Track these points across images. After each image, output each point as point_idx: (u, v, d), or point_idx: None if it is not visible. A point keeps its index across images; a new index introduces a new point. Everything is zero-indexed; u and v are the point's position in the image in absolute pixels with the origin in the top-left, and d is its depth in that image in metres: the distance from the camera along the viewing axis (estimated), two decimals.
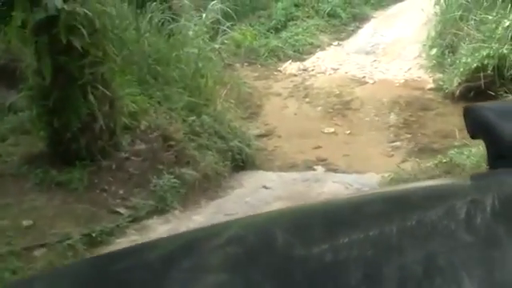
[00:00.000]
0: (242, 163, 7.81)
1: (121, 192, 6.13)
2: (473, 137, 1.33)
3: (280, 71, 12.10)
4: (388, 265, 0.85)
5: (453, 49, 10.59)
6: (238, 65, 11.75)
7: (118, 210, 5.86)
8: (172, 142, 6.84)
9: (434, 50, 10.69)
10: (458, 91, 9.28)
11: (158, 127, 6.91)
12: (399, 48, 12.01)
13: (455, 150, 7.10)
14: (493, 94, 8.64)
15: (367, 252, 0.89)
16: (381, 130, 8.93)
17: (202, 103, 8.11)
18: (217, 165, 7.19)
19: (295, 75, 11.85)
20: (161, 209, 6.09)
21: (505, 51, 8.60)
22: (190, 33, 8.83)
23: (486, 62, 8.87)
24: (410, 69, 11.17)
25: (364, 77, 11.21)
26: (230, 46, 11.13)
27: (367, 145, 8.47)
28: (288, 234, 0.95)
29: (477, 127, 1.30)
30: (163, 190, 6.21)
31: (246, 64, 12.25)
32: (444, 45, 10.66)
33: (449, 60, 10.43)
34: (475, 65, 8.98)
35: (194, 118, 7.61)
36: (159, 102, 7.51)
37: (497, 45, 8.76)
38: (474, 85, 9.12)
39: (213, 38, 9.34)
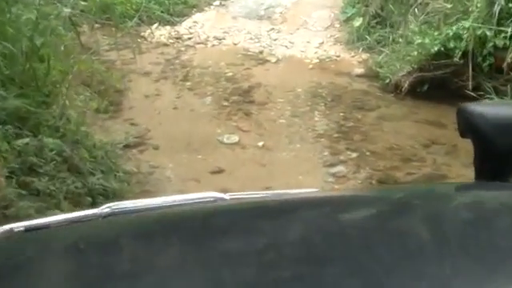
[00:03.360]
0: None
1: None
2: (462, 136, 1.34)
3: (144, 38, 8.94)
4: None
5: (381, 19, 7.99)
6: (85, 27, 8.42)
7: None
8: None
9: (360, 21, 7.99)
10: (406, 83, 6.68)
11: None
12: (303, 14, 9.18)
13: None
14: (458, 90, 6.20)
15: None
16: (308, 143, 6.11)
17: (41, 104, 4.96)
18: None
19: (166, 45, 8.83)
20: None
21: (487, 33, 6.04)
22: None
23: (451, 45, 6.31)
24: (322, 43, 8.41)
25: (262, 52, 8.36)
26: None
27: (295, 170, 5.60)
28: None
29: (467, 127, 1.31)
30: None
31: (96, 25, 8.96)
32: (371, 14, 8.01)
33: (377, 35, 7.85)
34: (436, 48, 6.39)
35: (27, 139, 4.43)
36: None
37: (470, 22, 6.19)
38: (431, 75, 6.58)
39: None
